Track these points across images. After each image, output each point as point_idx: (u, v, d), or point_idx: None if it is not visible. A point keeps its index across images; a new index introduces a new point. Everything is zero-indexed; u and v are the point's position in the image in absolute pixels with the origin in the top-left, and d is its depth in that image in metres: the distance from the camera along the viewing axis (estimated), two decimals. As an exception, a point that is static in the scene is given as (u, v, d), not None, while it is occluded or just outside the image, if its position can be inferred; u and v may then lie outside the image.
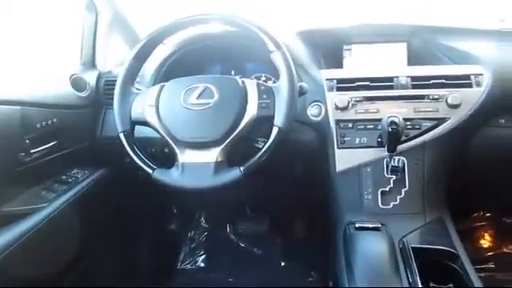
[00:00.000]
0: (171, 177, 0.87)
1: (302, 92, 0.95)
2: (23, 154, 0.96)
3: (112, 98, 0.95)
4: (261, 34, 0.89)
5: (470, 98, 0.95)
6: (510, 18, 1.24)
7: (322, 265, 1.38)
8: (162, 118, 0.89)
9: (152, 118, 0.90)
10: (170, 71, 1.19)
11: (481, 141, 1.00)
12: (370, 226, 0.88)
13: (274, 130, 0.85)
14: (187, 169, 0.86)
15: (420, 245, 0.85)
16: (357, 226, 0.89)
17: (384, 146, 0.94)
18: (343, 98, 0.99)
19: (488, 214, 1.53)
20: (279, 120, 0.85)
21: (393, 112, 0.94)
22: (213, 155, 0.85)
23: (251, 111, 0.87)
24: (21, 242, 0.89)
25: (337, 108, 1.00)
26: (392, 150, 0.93)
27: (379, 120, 0.94)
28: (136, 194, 1.37)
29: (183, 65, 1.20)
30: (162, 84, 0.94)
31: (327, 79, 1.04)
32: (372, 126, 0.98)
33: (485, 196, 1.27)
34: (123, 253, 1.41)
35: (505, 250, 1.47)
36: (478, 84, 0.96)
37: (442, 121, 0.95)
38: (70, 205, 1.03)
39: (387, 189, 0.94)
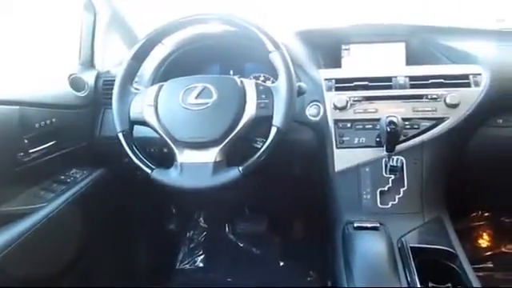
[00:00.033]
0: (170, 177, 0.87)
1: (300, 92, 0.95)
2: (22, 153, 0.95)
3: (111, 98, 0.94)
4: (259, 34, 0.89)
5: (469, 98, 0.95)
6: (508, 18, 1.24)
7: (321, 264, 1.38)
8: (161, 118, 0.89)
9: (151, 118, 0.90)
10: (168, 71, 1.19)
11: (479, 140, 1.01)
12: (369, 225, 0.88)
13: (273, 130, 0.85)
14: (186, 169, 0.86)
15: (418, 244, 0.85)
16: (355, 225, 0.89)
17: (383, 146, 0.94)
18: (342, 97, 0.99)
19: (486, 214, 1.53)
20: (278, 120, 0.85)
21: (391, 112, 0.94)
22: (211, 155, 0.85)
23: (250, 111, 0.87)
24: (19, 242, 0.89)
25: (335, 108, 1.00)
26: (391, 149, 0.93)
27: (378, 120, 0.94)
28: (135, 193, 1.37)
29: (182, 65, 1.20)
30: (161, 84, 0.94)
31: (326, 79, 1.04)
32: (370, 126, 0.98)
33: (483, 196, 1.27)
34: (122, 253, 1.41)
35: (503, 249, 1.48)
36: (477, 84, 0.96)
37: (440, 120, 0.95)
38: (69, 205, 1.03)
39: (386, 188, 0.94)
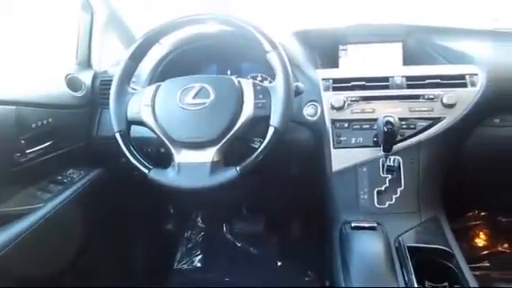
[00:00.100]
0: (167, 177, 0.87)
1: (297, 92, 0.95)
2: (18, 154, 0.95)
3: (108, 98, 0.94)
4: (257, 34, 0.89)
5: (465, 98, 0.96)
6: (504, 18, 1.24)
7: (319, 264, 1.38)
8: (158, 118, 0.89)
9: (148, 118, 0.90)
10: (166, 71, 1.19)
11: (476, 140, 1.01)
12: (366, 225, 0.88)
13: (270, 130, 0.85)
14: (183, 169, 0.86)
15: (415, 244, 0.85)
16: (353, 225, 0.89)
17: (380, 146, 0.94)
18: (339, 97, 1.00)
19: (483, 213, 1.53)
20: (275, 120, 0.85)
21: (388, 112, 0.94)
22: (209, 155, 0.85)
23: (247, 111, 0.87)
24: (16, 243, 0.89)
25: (333, 108, 1.00)
26: (388, 149, 0.93)
27: (375, 120, 0.94)
28: (132, 194, 1.36)
29: (179, 64, 1.20)
30: (158, 84, 0.94)
31: (323, 79, 1.04)
32: (368, 126, 0.98)
33: (480, 195, 1.27)
34: (120, 253, 1.40)
35: (500, 248, 1.48)
36: (473, 84, 0.97)
37: (437, 120, 0.96)
38: (66, 205, 1.03)
39: (383, 188, 0.95)
